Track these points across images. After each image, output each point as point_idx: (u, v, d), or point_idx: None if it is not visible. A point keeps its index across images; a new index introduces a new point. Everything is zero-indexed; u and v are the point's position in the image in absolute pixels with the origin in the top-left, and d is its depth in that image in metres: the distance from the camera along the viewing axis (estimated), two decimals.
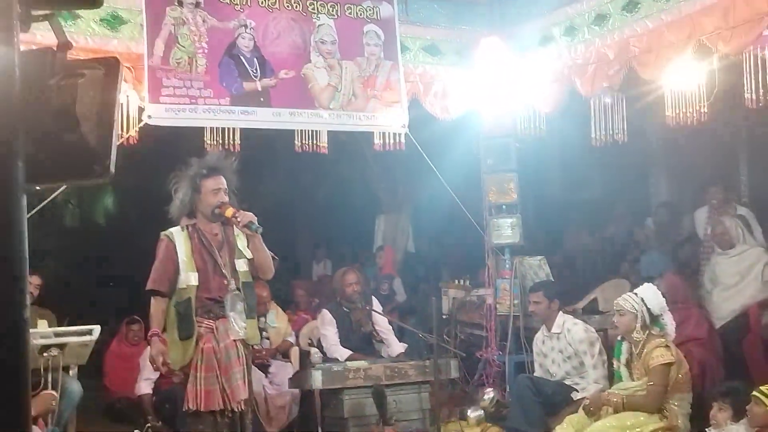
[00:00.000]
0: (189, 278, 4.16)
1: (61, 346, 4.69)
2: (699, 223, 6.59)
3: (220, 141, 5.39)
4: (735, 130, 7.21)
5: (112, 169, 1.85)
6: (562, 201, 8.92)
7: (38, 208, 4.98)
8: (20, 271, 1.69)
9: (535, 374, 5.66)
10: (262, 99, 5.52)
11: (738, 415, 4.23)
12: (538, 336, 5.70)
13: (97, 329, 4.92)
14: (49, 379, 4.59)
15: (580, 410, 4.86)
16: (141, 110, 5.11)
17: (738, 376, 5.04)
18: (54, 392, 4.58)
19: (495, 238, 6.54)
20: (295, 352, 6.52)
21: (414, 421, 5.46)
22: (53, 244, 11.06)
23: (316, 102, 5.73)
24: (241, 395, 4.12)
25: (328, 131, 5.86)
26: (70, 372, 5.02)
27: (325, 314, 6.00)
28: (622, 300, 4.76)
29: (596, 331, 5.56)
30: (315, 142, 5.83)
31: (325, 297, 7.27)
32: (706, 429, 4.39)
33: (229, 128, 5.42)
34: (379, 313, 6.08)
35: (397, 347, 5.94)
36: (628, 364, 4.78)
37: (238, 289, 4.22)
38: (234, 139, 5.42)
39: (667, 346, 4.58)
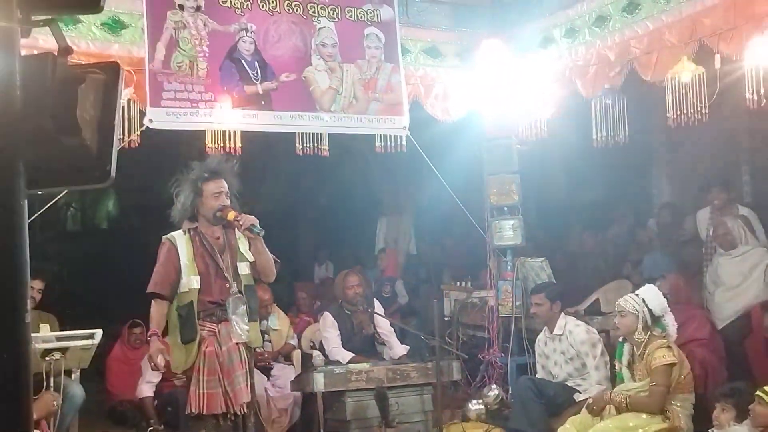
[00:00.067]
0: (191, 282, 4.17)
1: (63, 350, 4.69)
2: (701, 224, 6.58)
3: (221, 144, 5.39)
4: (736, 131, 7.21)
5: (113, 173, 1.86)
6: (563, 202, 8.92)
7: (40, 212, 4.99)
8: (21, 275, 1.70)
9: (537, 376, 5.66)
10: (263, 102, 5.53)
11: (741, 415, 4.22)
12: (540, 337, 5.70)
13: (99, 333, 4.93)
14: (52, 383, 4.60)
15: (583, 411, 4.86)
16: (142, 114, 5.11)
17: (740, 376, 5.03)
18: (56, 393, 4.59)
19: (497, 240, 6.54)
20: (297, 355, 6.52)
21: (416, 423, 5.46)
22: (55, 248, 11.09)
23: (317, 105, 5.74)
24: (244, 398, 4.13)
25: (330, 134, 5.86)
26: (73, 376, 5.03)
27: (327, 317, 6.00)
28: (623, 301, 4.76)
29: (598, 332, 5.55)
30: (316, 144, 5.83)
31: (327, 299, 7.27)
32: (709, 430, 4.38)
33: (230, 131, 5.42)
34: (380, 316, 6.08)
35: (399, 349, 5.94)
36: (630, 366, 4.78)
37: (240, 292, 4.23)
38: (235, 143, 5.43)
39: (669, 347, 4.58)
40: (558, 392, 5.37)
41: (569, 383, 5.42)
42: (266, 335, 6.11)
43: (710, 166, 7.42)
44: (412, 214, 10.07)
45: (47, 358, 4.59)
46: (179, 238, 4.24)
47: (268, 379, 6.10)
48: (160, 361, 4.13)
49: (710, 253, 6.23)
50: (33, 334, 4.57)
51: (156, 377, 5.92)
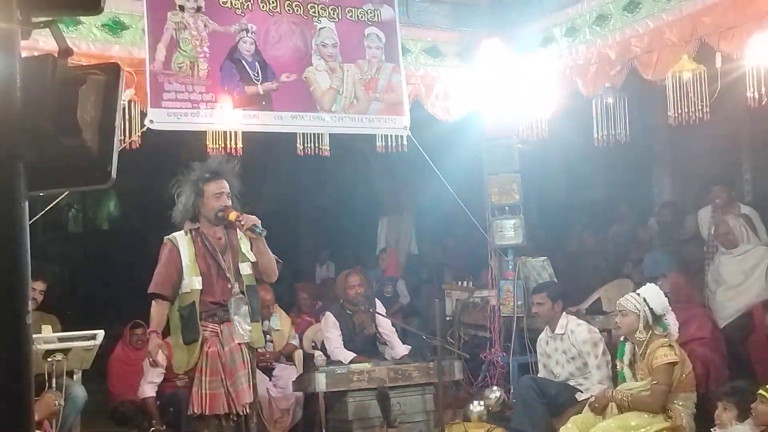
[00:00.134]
0: (193, 282, 4.17)
1: (65, 351, 4.70)
2: (702, 223, 6.58)
3: (222, 145, 5.39)
4: (737, 129, 7.21)
5: (114, 174, 1.86)
6: (565, 201, 8.92)
7: (41, 213, 5.00)
8: (23, 276, 1.70)
9: (538, 375, 5.65)
10: (263, 103, 5.53)
11: (743, 414, 4.22)
12: (542, 337, 5.69)
13: (100, 334, 4.93)
14: (54, 383, 4.61)
15: (585, 410, 4.86)
16: (143, 115, 5.12)
17: (742, 375, 5.03)
18: (57, 394, 4.59)
19: (498, 240, 6.54)
20: (298, 355, 6.52)
21: (418, 422, 5.47)
22: (57, 250, 11.10)
23: (318, 105, 5.74)
24: (246, 399, 4.14)
25: (330, 134, 5.87)
26: (75, 377, 5.04)
27: (329, 317, 6.01)
28: (624, 300, 4.76)
29: (600, 331, 5.55)
30: (317, 145, 5.83)
31: (329, 299, 7.27)
32: (711, 429, 4.38)
33: (231, 132, 5.42)
34: (382, 315, 6.08)
35: (401, 349, 5.94)
36: (632, 365, 4.78)
37: (242, 292, 4.24)
38: (236, 143, 5.43)
39: (670, 346, 4.57)
40: (560, 392, 5.36)
41: (571, 383, 5.42)
42: (268, 335, 6.11)
43: (711, 165, 7.41)
44: (413, 213, 10.07)
45: (49, 359, 4.60)
46: (181, 238, 4.25)
47: (270, 380, 6.10)
48: (159, 358, 4.13)
49: (711, 251, 6.23)
50: (35, 335, 4.58)
51: (158, 377, 5.92)
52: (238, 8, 5.46)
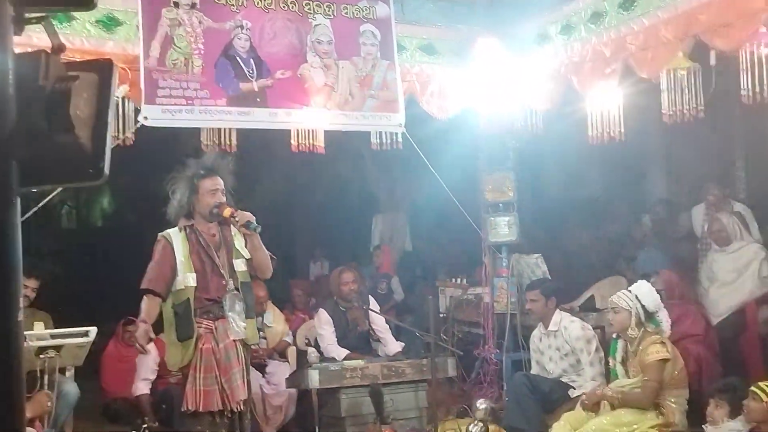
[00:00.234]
0: (187, 279, 4.16)
1: (57, 348, 4.68)
2: (696, 220, 6.61)
3: (217, 141, 5.38)
4: (731, 127, 7.22)
5: (107, 171, 1.85)
6: (559, 199, 8.93)
7: (34, 210, 4.98)
8: (15, 273, 1.69)
9: (532, 372, 5.67)
10: (258, 99, 5.52)
11: (735, 411, 4.24)
12: (535, 334, 5.71)
13: (93, 330, 4.91)
14: (46, 381, 4.59)
15: (577, 407, 4.87)
16: (137, 111, 5.10)
17: (735, 372, 5.05)
18: (49, 392, 4.58)
19: (492, 237, 6.55)
20: (292, 352, 6.52)
21: (411, 419, 5.48)
22: (50, 246, 11.05)
23: (313, 102, 5.73)
24: (241, 395, 4.13)
25: (325, 131, 5.86)
26: (67, 373, 5.02)
27: (322, 313, 6.01)
28: (616, 297, 4.77)
29: (593, 328, 5.57)
30: (312, 141, 5.82)
31: (322, 296, 7.27)
32: (703, 426, 4.40)
33: (225, 129, 5.41)
34: (376, 312, 6.09)
35: (394, 346, 5.95)
36: (624, 362, 4.79)
37: (237, 289, 4.23)
38: (230, 140, 5.42)
39: (662, 343, 4.59)
40: (553, 388, 5.38)
41: (564, 379, 5.43)
42: (261, 332, 6.10)
43: (705, 163, 7.43)
44: (408, 210, 10.08)
45: (41, 356, 4.58)
46: (175, 235, 4.24)
47: (263, 376, 6.10)
48: (144, 342, 4.08)
49: (705, 249, 6.25)
50: (27, 332, 4.58)
51: (152, 374, 5.92)
52: (233, 5, 5.44)
